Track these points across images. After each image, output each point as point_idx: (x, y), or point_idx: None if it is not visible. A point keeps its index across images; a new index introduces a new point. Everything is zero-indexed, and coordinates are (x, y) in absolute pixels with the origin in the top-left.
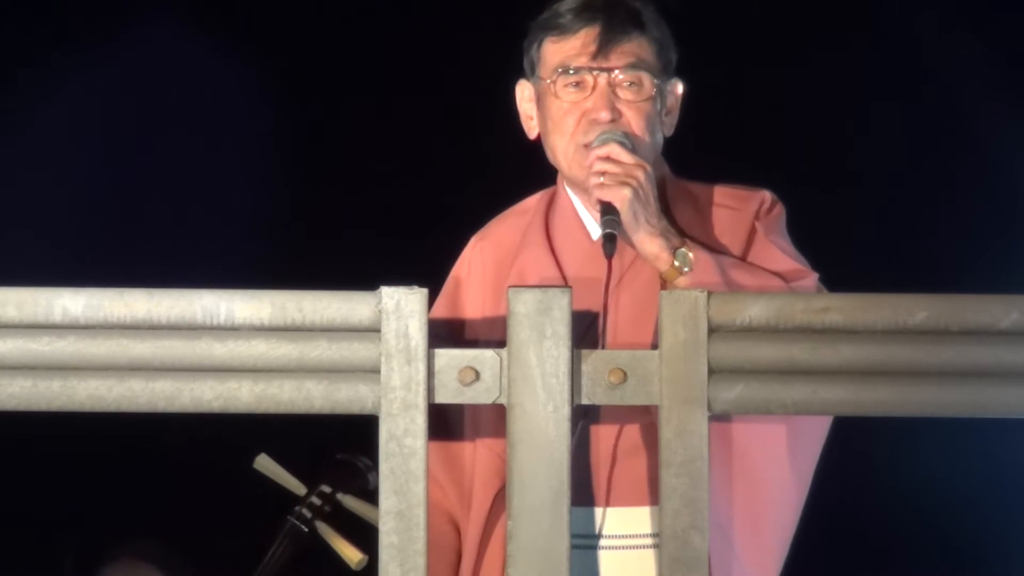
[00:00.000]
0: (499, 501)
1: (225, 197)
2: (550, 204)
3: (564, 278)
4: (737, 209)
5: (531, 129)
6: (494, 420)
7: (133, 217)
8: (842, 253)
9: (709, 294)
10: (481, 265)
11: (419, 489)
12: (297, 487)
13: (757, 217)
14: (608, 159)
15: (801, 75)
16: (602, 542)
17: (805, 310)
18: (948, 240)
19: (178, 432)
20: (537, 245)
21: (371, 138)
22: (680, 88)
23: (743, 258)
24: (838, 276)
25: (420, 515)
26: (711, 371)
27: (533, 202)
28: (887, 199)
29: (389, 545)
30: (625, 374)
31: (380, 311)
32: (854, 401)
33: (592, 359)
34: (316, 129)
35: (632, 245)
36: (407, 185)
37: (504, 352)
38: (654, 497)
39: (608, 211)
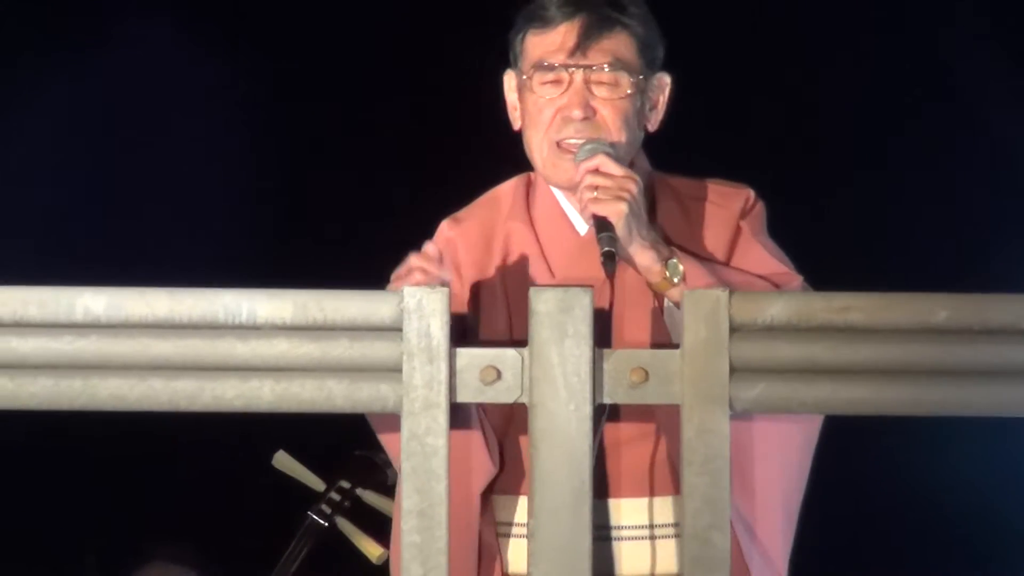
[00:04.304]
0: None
1: (225, 199)
2: (527, 193)
3: (551, 270)
4: (722, 206)
5: (515, 120)
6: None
7: (131, 217)
8: (861, 253)
9: (731, 293)
10: (458, 247)
11: (440, 488)
12: (316, 483)
13: (742, 215)
14: (598, 172)
15: (811, 72)
16: (613, 533)
17: (826, 309)
18: (970, 239)
19: (195, 430)
20: (523, 232)
21: (373, 138)
22: (667, 82)
23: (728, 257)
24: (857, 275)
25: (442, 513)
26: (732, 370)
27: (508, 190)
28: (907, 197)
29: (411, 544)
30: (647, 373)
31: (402, 310)
32: (875, 400)
33: (614, 358)
34: (317, 129)
35: (624, 257)
36: (420, 184)
37: (526, 351)
38: (650, 488)
39: (603, 226)
